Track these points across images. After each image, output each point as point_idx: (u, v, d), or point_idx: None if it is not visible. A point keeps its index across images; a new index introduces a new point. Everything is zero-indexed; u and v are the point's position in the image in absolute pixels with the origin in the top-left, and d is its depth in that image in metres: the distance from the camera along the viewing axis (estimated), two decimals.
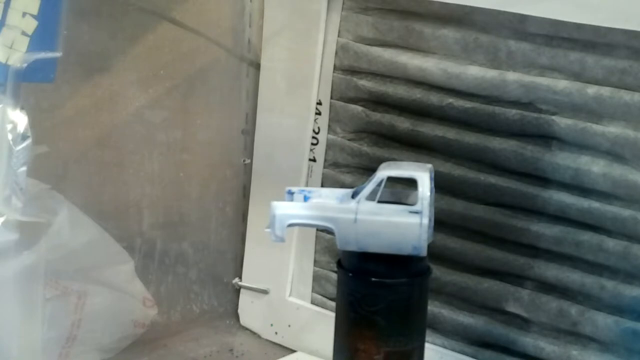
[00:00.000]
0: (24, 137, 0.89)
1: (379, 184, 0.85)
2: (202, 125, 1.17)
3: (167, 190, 1.15)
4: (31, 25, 0.90)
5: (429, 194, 0.84)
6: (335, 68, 1.10)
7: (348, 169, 1.11)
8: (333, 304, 0.95)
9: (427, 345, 0.89)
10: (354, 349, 0.86)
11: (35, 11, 0.89)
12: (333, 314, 0.89)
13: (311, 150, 1.13)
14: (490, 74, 0.99)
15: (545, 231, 0.98)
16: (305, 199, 0.88)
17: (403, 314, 0.85)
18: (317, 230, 1.13)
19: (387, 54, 1.06)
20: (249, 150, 1.18)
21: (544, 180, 0.97)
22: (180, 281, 1.18)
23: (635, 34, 0.89)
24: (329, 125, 1.12)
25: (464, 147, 1.02)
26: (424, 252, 0.84)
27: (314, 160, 1.13)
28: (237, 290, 1.21)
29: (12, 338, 0.94)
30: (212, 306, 1.21)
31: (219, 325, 1.20)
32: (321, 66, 1.11)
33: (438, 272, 1.02)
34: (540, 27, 0.95)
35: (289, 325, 1.15)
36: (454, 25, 1.01)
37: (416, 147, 1.05)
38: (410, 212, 0.84)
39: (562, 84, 0.95)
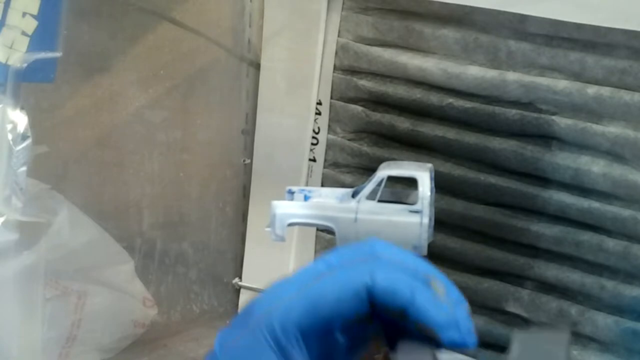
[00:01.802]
0: (24, 137, 0.89)
1: (379, 184, 0.85)
2: (202, 125, 1.17)
3: (167, 190, 1.15)
4: (31, 25, 0.89)
5: (429, 193, 0.84)
6: (335, 68, 1.10)
7: (348, 169, 1.11)
8: None
9: None
10: None
11: (35, 11, 0.89)
12: None
13: (311, 150, 1.13)
14: (490, 74, 0.99)
15: (545, 231, 0.98)
16: (306, 198, 0.88)
17: None
18: (317, 230, 1.13)
19: (387, 54, 1.06)
20: (249, 150, 1.18)
21: (544, 180, 0.97)
22: (180, 281, 1.18)
23: (635, 34, 0.89)
24: (329, 125, 1.12)
25: (464, 147, 1.02)
26: (424, 252, 0.84)
27: (314, 160, 1.13)
28: (237, 290, 1.21)
29: (12, 338, 0.94)
30: (212, 306, 1.21)
31: (219, 325, 1.20)
32: (321, 66, 1.11)
33: None
34: (540, 27, 0.95)
35: None
36: (454, 25, 1.01)
37: (416, 147, 1.05)
38: (411, 211, 0.84)
39: (562, 84, 0.95)
